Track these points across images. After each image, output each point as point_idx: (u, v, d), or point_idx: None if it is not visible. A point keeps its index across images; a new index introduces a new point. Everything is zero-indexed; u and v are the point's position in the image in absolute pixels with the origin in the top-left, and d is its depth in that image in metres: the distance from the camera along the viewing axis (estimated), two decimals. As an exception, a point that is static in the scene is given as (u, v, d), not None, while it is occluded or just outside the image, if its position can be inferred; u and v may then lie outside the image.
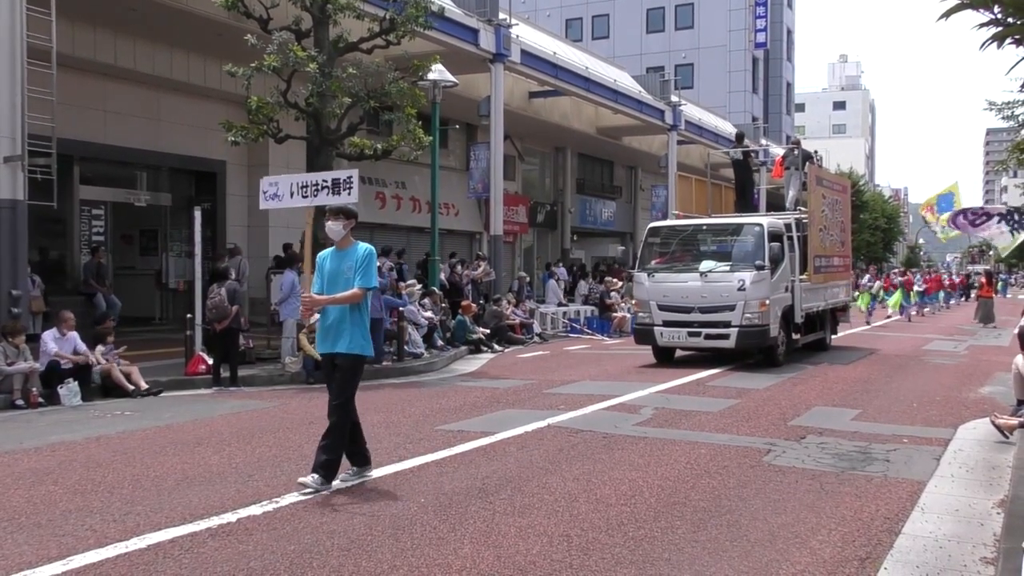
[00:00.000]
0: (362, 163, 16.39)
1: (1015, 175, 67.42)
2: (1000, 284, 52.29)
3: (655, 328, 14.29)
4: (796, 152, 17.37)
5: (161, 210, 19.87)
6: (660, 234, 15.39)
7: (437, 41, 18.54)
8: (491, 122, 21.76)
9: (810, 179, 15.88)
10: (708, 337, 13.95)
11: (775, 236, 14.26)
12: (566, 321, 22.24)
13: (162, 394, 11.18)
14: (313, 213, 8.01)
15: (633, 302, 15.58)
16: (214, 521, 5.40)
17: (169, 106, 18.37)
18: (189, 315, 12.90)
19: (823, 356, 15.79)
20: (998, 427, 8.03)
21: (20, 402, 10.17)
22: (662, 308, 14.26)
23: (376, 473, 6.67)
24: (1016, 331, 10.04)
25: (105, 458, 7.31)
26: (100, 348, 11.32)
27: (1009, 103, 17.37)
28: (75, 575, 4.50)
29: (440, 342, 16.29)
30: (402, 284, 16.31)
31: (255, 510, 5.64)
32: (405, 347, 14.65)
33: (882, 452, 7.62)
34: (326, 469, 6.09)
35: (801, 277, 14.91)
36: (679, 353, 15.31)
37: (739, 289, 13.63)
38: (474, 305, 18.55)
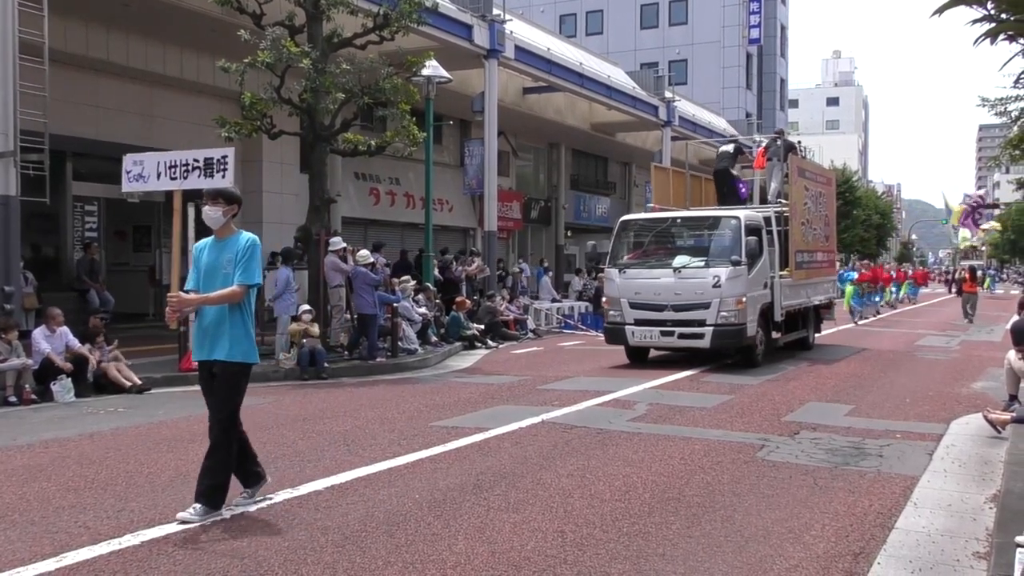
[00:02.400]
0: (356, 159, 16.41)
1: (1008, 171, 67.60)
2: (988, 280, 51.89)
3: (626, 327, 13.64)
4: (778, 143, 16.59)
5: (154, 206, 19.79)
6: (632, 228, 14.68)
7: (431, 37, 18.52)
8: (485, 118, 21.75)
9: (791, 170, 15.19)
10: (682, 337, 13.28)
11: (753, 230, 13.60)
12: (560, 317, 22.25)
13: (156, 390, 11.15)
14: (182, 198, 6.98)
15: (604, 299, 14.91)
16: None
17: (162, 102, 18.30)
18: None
19: (812, 354, 15.61)
20: (990, 422, 8.06)
21: (13, 399, 10.14)
22: (633, 306, 13.60)
23: (370, 469, 6.67)
24: (1008, 327, 10.08)
25: (99, 455, 7.30)
26: (89, 346, 11.29)
27: (1002, 99, 17.33)
28: (69, 572, 4.49)
29: (434, 338, 16.28)
30: (396, 280, 16.32)
31: (249, 506, 5.63)
32: (399, 343, 14.65)
33: (875, 447, 7.65)
34: (209, 496, 5.39)
35: (781, 273, 14.34)
36: (656, 352, 14.80)
37: (714, 286, 12.99)
38: (468, 301, 18.55)
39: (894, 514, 5.59)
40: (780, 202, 15.62)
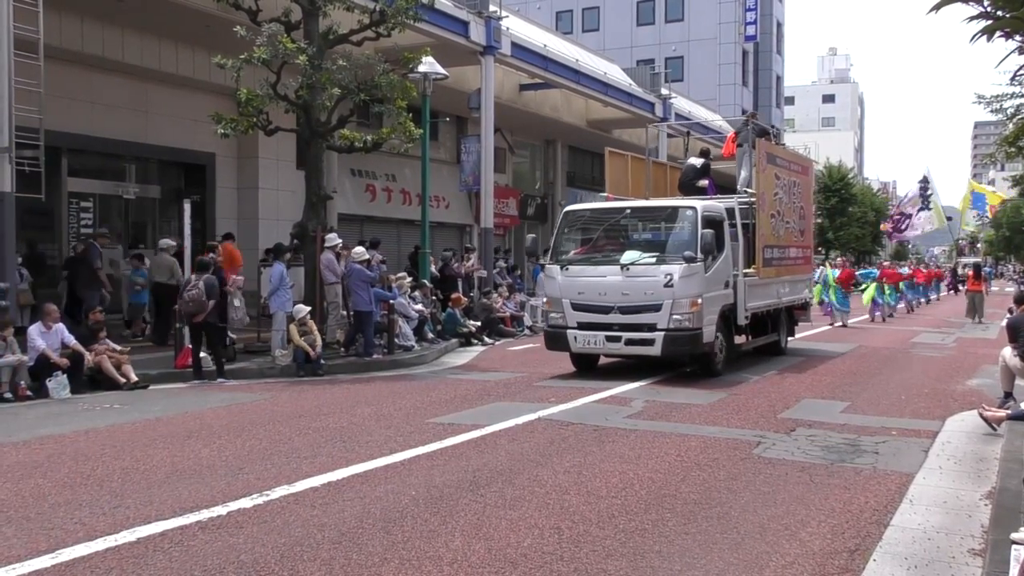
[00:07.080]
0: (352, 155, 16.37)
1: (1003, 168, 67.74)
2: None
3: (568, 331, 12.02)
4: (749, 127, 14.96)
5: (150, 203, 19.77)
6: (577, 220, 12.98)
7: (427, 33, 18.49)
8: (481, 115, 21.72)
9: (759, 156, 13.51)
10: (630, 343, 11.68)
11: (712, 222, 11.97)
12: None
13: (151, 387, 11.14)
14: None
15: (545, 300, 13.26)
16: (204, 514, 5.39)
17: (158, 98, 18.26)
18: (177, 307, 12.84)
19: (795, 354, 15.14)
20: (986, 419, 8.09)
21: (8, 395, 10.11)
22: (576, 307, 12.02)
23: (367, 466, 6.67)
24: (1003, 323, 10.11)
25: (94, 451, 7.28)
26: (108, 340, 11.30)
27: (998, 96, 17.36)
28: (64, 568, 4.49)
29: (431, 335, 16.28)
30: (392, 277, 16.30)
31: (245, 503, 5.63)
32: (396, 340, 14.63)
33: (871, 444, 7.66)
34: None
35: (747, 271, 12.91)
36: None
37: (666, 285, 11.43)
38: (464, 298, 18.54)
39: (890, 511, 5.60)
40: (747, 191, 13.98)
